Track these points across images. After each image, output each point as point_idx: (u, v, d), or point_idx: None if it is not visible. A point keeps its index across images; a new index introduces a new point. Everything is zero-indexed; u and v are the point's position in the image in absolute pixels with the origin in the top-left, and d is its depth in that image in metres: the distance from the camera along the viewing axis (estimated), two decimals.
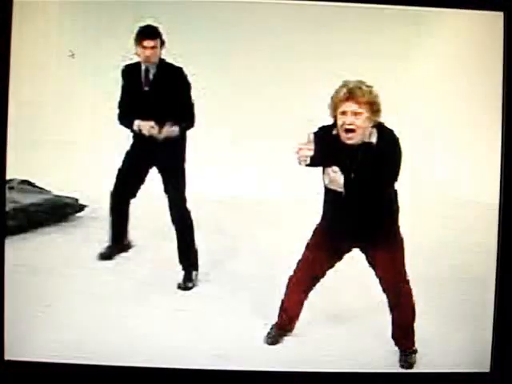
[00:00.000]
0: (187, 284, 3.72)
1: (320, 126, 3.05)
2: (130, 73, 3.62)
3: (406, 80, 3.88)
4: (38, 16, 3.51)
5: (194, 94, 3.68)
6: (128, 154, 3.74)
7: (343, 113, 2.93)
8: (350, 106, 2.92)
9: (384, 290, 3.16)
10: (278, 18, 3.81)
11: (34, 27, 3.50)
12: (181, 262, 3.76)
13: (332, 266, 3.21)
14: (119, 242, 3.94)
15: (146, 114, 3.55)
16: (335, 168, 2.95)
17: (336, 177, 2.96)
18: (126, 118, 3.62)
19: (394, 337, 3.23)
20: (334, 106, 2.97)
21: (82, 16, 3.56)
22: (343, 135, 2.94)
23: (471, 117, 3.91)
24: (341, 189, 2.96)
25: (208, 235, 3.95)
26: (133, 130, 3.61)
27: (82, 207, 4.32)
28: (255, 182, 4.04)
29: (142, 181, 3.77)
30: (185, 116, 3.60)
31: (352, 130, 2.92)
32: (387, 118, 3.62)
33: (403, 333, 3.21)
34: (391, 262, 3.10)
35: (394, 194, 3.10)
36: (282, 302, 3.32)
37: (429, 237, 3.84)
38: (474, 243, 3.62)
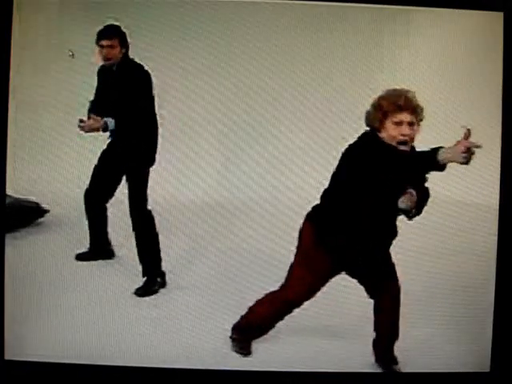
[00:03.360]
0: (144, 290, 3.63)
1: (359, 135, 2.87)
2: (102, 73, 3.67)
3: (404, 80, 3.87)
4: (38, 16, 3.51)
5: (180, 95, 3.72)
6: (101, 153, 3.71)
7: (398, 123, 2.78)
8: (407, 117, 2.78)
9: (372, 297, 3.10)
10: (278, 19, 3.80)
11: (34, 27, 3.50)
12: (141, 266, 3.69)
13: (319, 290, 3.08)
14: (98, 247, 3.82)
15: (103, 112, 3.57)
16: (412, 191, 2.79)
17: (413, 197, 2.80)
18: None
19: (374, 350, 3.19)
20: (384, 115, 2.80)
21: (82, 16, 3.57)
22: (397, 146, 2.79)
23: (470, 117, 3.90)
24: (411, 207, 2.81)
25: (178, 239, 3.85)
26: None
27: (43, 212, 4.00)
28: (231, 184, 4.01)
29: (114, 185, 3.71)
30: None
31: (406, 142, 2.79)
32: None
33: (385, 345, 3.16)
34: (379, 271, 3.04)
35: None
36: (248, 314, 3.20)
37: (429, 239, 3.83)
38: (473, 245, 3.62)
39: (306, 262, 3.00)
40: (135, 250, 3.71)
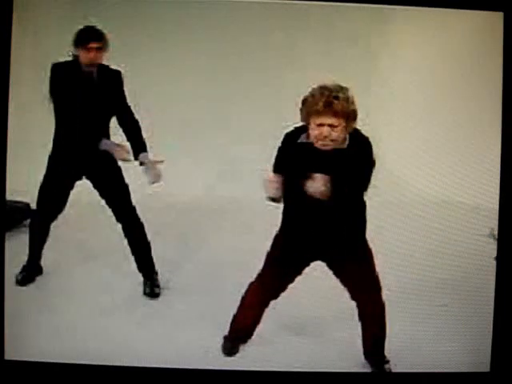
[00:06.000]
0: (155, 290, 3.62)
1: (286, 132, 2.92)
2: (67, 73, 3.39)
3: (404, 80, 3.88)
4: (38, 16, 3.50)
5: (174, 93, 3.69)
6: (51, 165, 3.50)
7: (320, 125, 2.75)
8: (326, 120, 2.73)
9: (352, 298, 3.08)
10: (269, 18, 3.80)
11: (34, 27, 3.50)
12: (140, 270, 3.65)
13: (292, 281, 3.08)
14: (36, 265, 3.69)
15: (90, 118, 3.39)
16: (317, 175, 2.75)
17: (319, 184, 2.75)
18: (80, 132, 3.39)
19: (364, 348, 3.18)
20: (308, 115, 2.79)
21: (82, 16, 3.55)
22: (317, 145, 2.80)
23: (470, 117, 3.90)
24: (321, 197, 2.76)
25: (168, 241, 3.87)
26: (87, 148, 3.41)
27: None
28: (223, 186, 3.99)
29: (68, 194, 3.54)
30: (130, 120, 3.49)
31: (327, 143, 2.78)
32: (384, 120, 3.63)
33: (373, 345, 3.15)
34: (360, 273, 3.01)
35: (362, 205, 2.97)
36: (235, 316, 3.22)
37: (429, 239, 3.83)
38: (473, 245, 3.62)
39: (276, 254, 3.05)
40: (129, 251, 3.69)
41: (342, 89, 2.79)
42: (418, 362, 3.22)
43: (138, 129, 3.51)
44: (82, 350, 3.22)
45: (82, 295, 3.56)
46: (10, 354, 3.17)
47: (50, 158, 3.51)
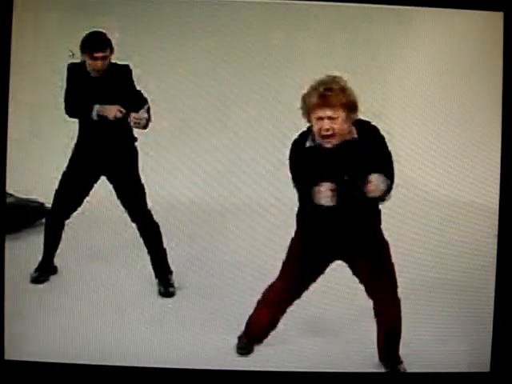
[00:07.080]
0: (169, 289, 3.61)
1: (293, 140, 2.93)
2: (79, 72, 3.42)
3: (403, 80, 3.87)
4: (38, 16, 3.50)
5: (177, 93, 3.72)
6: (71, 164, 3.51)
7: (319, 118, 2.77)
8: (324, 112, 2.75)
9: (370, 297, 3.08)
10: (269, 18, 3.80)
11: (33, 27, 3.50)
12: (155, 269, 3.64)
13: (314, 280, 3.09)
14: (50, 264, 3.66)
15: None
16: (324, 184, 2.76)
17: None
18: (80, 105, 3.37)
19: (378, 348, 3.18)
20: (308, 111, 2.81)
21: (82, 16, 3.55)
22: (321, 141, 2.81)
23: (470, 117, 3.90)
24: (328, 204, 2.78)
25: (179, 242, 3.82)
26: (86, 119, 3.38)
27: (47, 211, 3.83)
28: (232, 186, 3.99)
29: (85, 193, 3.53)
30: (140, 102, 3.45)
31: (330, 136, 2.78)
32: (383, 120, 3.62)
33: (388, 343, 3.16)
34: (379, 270, 3.02)
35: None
36: (253, 315, 3.21)
37: (429, 238, 3.83)
38: (473, 245, 3.62)
39: (295, 256, 3.04)
40: (132, 251, 3.69)
41: (335, 80, 2.81)
42: (418, 362, 3.22)
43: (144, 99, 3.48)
44: (82, 350, 3.22)
45: (87, 295, 3.54)
46: (10, 354, 3.17)
47: (72, 155, 3.51)
